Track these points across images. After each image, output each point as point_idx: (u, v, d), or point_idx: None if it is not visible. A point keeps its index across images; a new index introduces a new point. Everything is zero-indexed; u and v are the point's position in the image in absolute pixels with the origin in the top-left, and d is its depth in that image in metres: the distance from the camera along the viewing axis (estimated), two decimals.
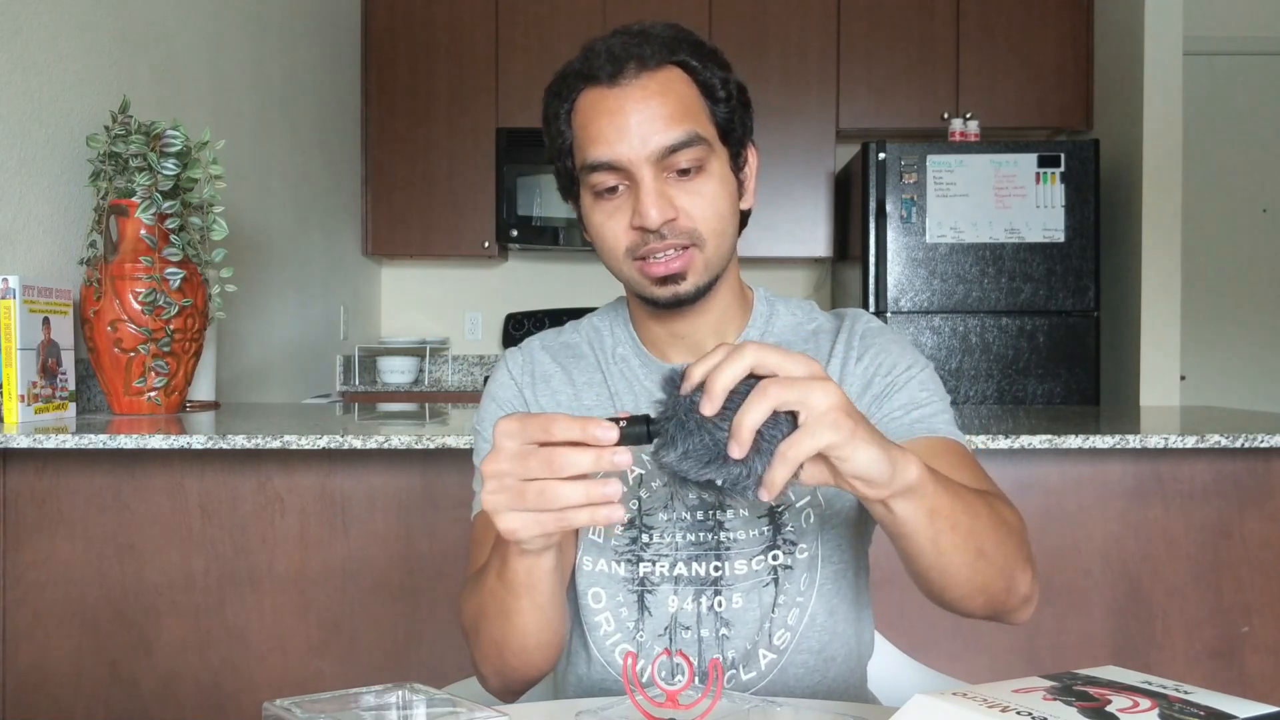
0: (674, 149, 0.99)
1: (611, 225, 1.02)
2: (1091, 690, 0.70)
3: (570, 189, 1.08)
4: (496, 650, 0.95)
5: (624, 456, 0.73)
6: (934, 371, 1.10)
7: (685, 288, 1.02)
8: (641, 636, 1.06)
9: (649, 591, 1.06)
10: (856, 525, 1.09)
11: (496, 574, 0.90)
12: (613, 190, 1.01)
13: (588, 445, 0.73)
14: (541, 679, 1.00)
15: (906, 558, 0.87)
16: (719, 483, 0.75)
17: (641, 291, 1.04)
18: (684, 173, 1.00)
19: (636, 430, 0.75)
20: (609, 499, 0.75)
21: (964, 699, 0.68)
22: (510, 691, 1.01)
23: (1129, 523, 1.87)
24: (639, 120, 0.99)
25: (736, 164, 1.06)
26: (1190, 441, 1.73)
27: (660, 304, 1.04)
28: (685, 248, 1.01)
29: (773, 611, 1.05)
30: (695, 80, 1.02)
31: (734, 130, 1.05)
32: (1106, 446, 1.72)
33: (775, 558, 1.05)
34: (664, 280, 1.02)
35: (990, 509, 0.89)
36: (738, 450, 0.72)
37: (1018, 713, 0.66)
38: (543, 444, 0.74)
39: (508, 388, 1.14)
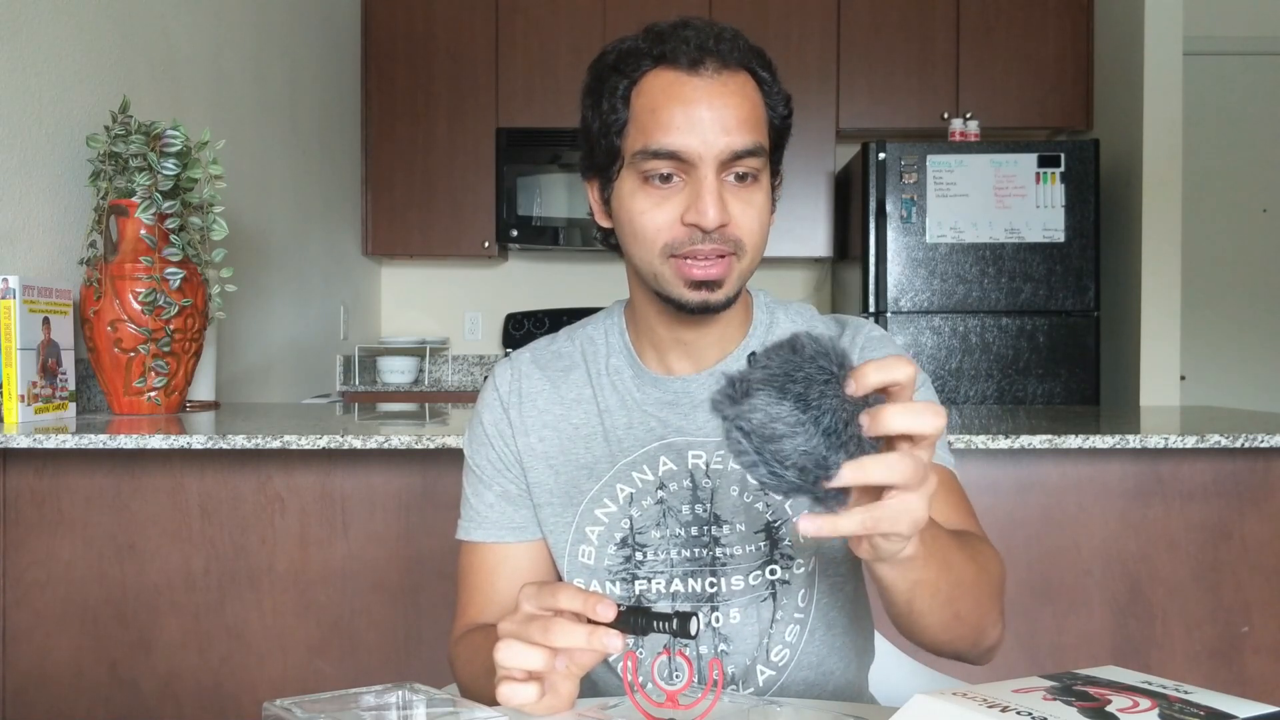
0: (741, 154, 0.97)
1: (655, 215, 0.98)
2: (1091, 690, 0.70)
3: (604, 168, 1.03)
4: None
5: (615, 642, 0.78)
6: (932, 388, 1.09)
7: (718, 296, 0.99)
8: (640, 654, 1.06)
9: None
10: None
11: (485, 673, 0.90)
12: (665, 179, 0.98)
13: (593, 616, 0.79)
14: None
15: (885, 603, 0.87)
16: (791, 465, 0.69)
17: (669, 291, 1.00)
18: (740, 180, 0.98)
19: (632, 620, 0.79)
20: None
21: (964, 699, 0.68)
22: None
23: (1129, 523, 1.87)
24: (713, 117, 0.96)
25: (774, 182, 1.05)
26: (1190, 441, 1.73)
27: (687, 308, 1.00)
28: (725, 255, 0.98)
29: (770, 627, 1.04)
30: (762, 90, 1.01)
31: (780, 148, 1.04)
32: (1106, 446, 1.72)
33: (773, 572, 1.04)
34: (700, 285, 0.98)
35: (976, 566, 0.88)
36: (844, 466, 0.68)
37: (1018, 713, 0.66)
38: (553, 610, 0.80)
39: (493, 408, 1.12)
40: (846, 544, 1.07)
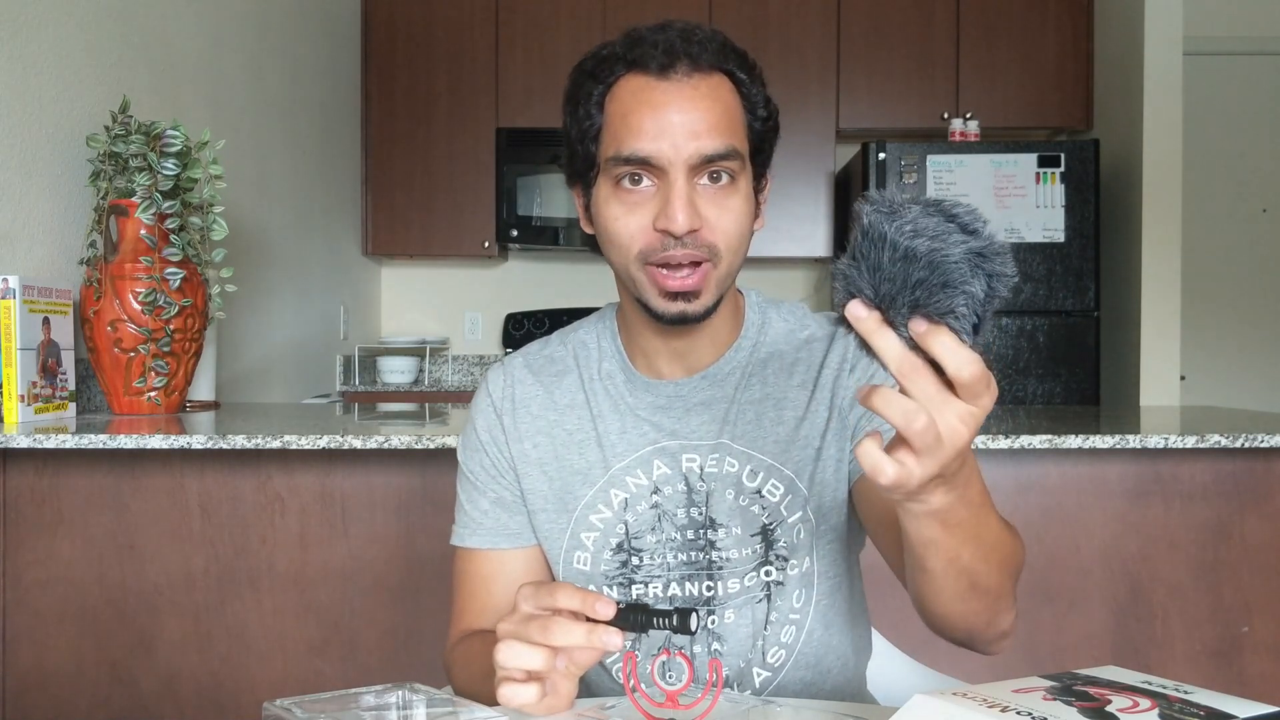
0: (712, 158, 0.95)
1: (629, 221, 0.97)
2: (1091, 690, 0.70)
3: (584, 174, 1.02)
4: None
5: (614, 639, 0.78)
6: None
7: (695, 307, 0.98)
8: (638, 655, 1.06)
9: None
10: (846, 537, 1.08)
11: (483, 675, 0.90)
12: (636, 181, 0.97)
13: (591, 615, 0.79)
14: None
15: (907, 558, 0.85)
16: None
17: (646, 300, 0.99)
18: (715, 182, 0.97)
19: (632, 617, 0.78)
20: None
21: (964, 699, 0.68)
22: None
23: (1129, 523, 1.87)
24: (683, 120, 0.95)
25: (758, 185, 1.03)
26: (1190, 441, 1.73)
27: (664, 319, 0.99)
28: (701, 262, 0.97)
29: (765, 629, 1.04)
30: (740, 92, 1.00)
31: (763, 151, 1.02)
32: (1106, 446, 1.72)
33: (768, 574, 1.04)
34: (675, 296, 0.97)
35: (1004, 546, 0.85)
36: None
37: (1018, 713, 0.66)
38: (551, 609, 0.80)
39: (486, 414, 1.11)
40: (841, 544, 1.07)
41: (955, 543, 0.77)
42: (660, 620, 0.77)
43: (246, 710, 1.80)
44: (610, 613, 0.78)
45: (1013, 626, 0.92)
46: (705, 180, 0.97)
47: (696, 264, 0.97)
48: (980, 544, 0.80)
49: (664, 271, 0.97)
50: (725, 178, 0.97)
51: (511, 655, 0.79)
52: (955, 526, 0.75)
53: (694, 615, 0.77)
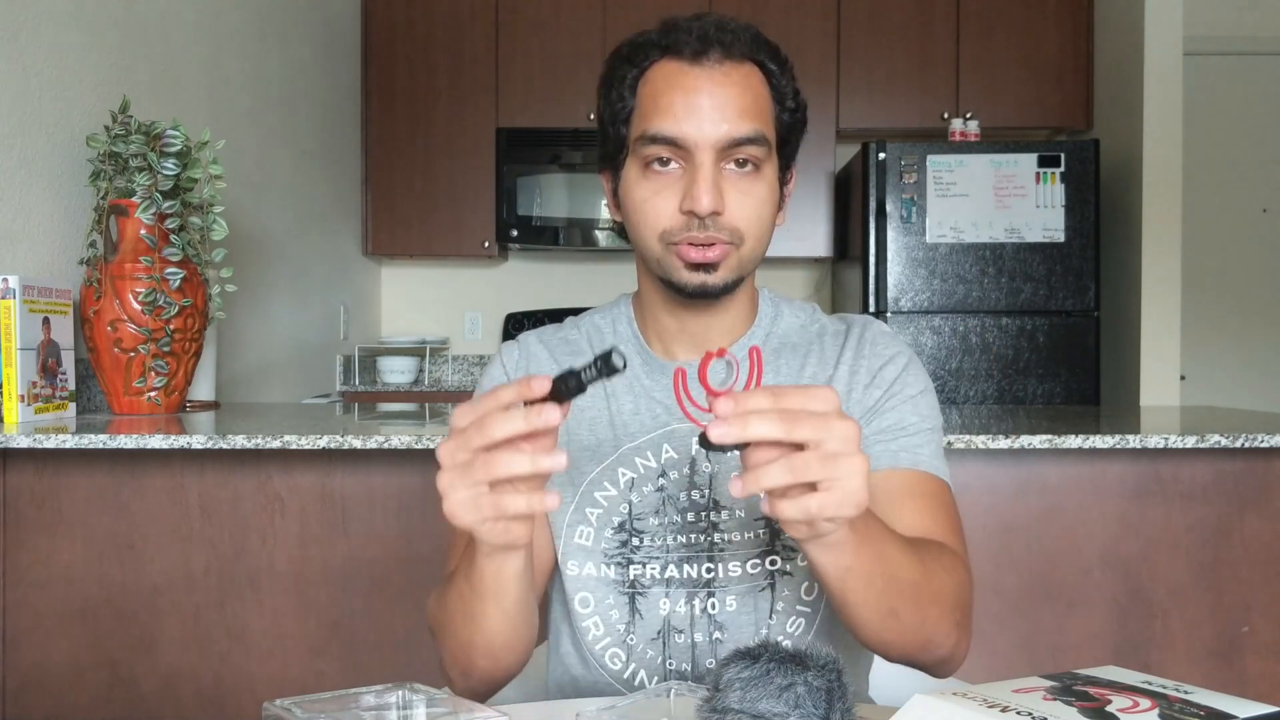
0: (739, 142, 0.98)
1: (655, 202, 1.00)
2: (1091, 690, 0.70)
3: (614, 157, 1.04)
4: (464, 652, 0.95)
5: (553, 414, 0.73)
6: (933, 395, 1.08)
7: (714, 280, 1.00)
8: (633, 640, 1.06)
9: (640, 594, 1.05)
10: None
11: (464, 576, 0.90)
12: (664, 164, 0.99)
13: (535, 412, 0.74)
14: (509, 681, 1.00)
15: (831, 599, 0.86)
16: None
17: (668, 274, 1.02)
18: (740, 167, 0.99)
19: (566, 384, 0.74)
20: (544, 468, 0.74)
21: (964, 699, 0.68)
22: (476, 694, 0.99)
23: (1129, 523, 1.87)
24: (712, 104, 0.97)
25: (783, 177, 1.05)
26: (1190, 441, 1.73)
27: (685, 292, 1.01)
28: (724, 244, 0.99)
29: (769, 618, 1.04)
30: (770, 83, 1.02)
31: (790, 143, 1.05)
32: (1106, 446, 1.72)
33: (773, 563, 1.04)
34: (696, 267, 0.99)
35: (921, 569, 0.88)
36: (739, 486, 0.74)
37: (1018, 713, 0.66)
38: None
39: (499, 381, 1.11)
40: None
41: (867, 561, 0.81)
42: (587, 371, 0.74)
43: (246, 710, 1.80)
44: (546, 388, 0.74)
45: (958, 654, 0.94)
46: (732, 165, 0.99)
47: (722, 243, 0.99)
48: (886, 561, 0.83)
49: (686, 246, 0.99)
50: (750, 165, 0.99)
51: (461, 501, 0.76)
52: (862, 541, 0.80)
53: (614, 352, 0.74)
